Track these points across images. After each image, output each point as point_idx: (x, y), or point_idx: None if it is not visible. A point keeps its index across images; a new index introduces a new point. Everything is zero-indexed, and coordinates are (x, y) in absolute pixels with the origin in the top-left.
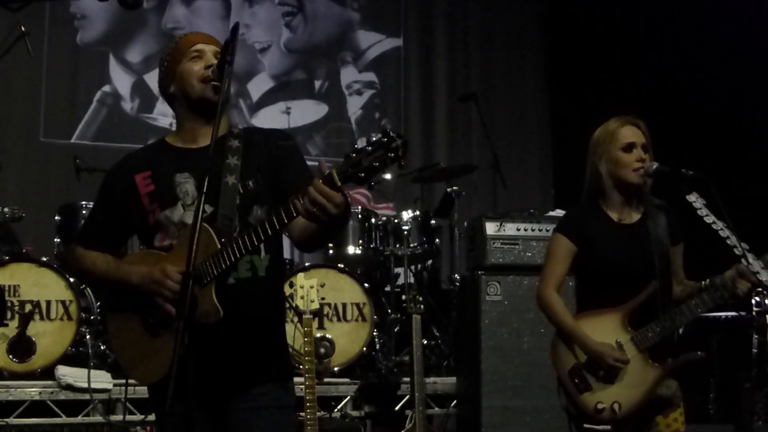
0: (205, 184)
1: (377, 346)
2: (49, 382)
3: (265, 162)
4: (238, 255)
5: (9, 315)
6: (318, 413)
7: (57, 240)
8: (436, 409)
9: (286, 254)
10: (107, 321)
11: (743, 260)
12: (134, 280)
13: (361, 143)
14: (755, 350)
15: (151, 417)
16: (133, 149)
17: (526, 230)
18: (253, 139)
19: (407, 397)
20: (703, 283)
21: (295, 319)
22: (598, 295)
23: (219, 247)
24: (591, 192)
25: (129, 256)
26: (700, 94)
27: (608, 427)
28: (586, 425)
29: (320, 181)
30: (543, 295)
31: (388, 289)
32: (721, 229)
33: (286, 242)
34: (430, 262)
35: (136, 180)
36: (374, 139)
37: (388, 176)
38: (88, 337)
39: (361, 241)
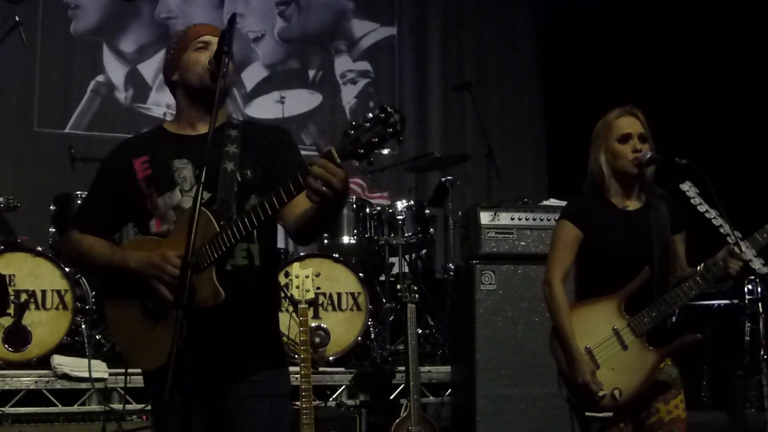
0: (203, 172)
1: (372, 335)
2: (45, 371)
3: (263, 155)
4: (238, 237)
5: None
6: (313, 402)
7: (52, 230)
8: (431, 397)
9: (281, 244)
10: (105, 307)
11: (736, 248)
12: (132, 264)
13: (356, 120)
14: (748, 338)
15: (148, 406)
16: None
17: (520, 219)
18: (251, 132)
19: (402, 385)
20: (698, 268)
21: (291, 309)
22: (598, 283)
23: (218, 230)
24: (593, 182)
25: (127, 242)
26: (695, 81)
27: (610, 413)
28: (587, 413)
29: (323, 159)
30: (550, 284)
31: (382, 278)
32: (714, 218)
33: (279, 232)
34: (424, 251)
35: (134, 164)
36: (372, 115)
37: (385, 152)
38: (83, 326)
39: (355, 231)
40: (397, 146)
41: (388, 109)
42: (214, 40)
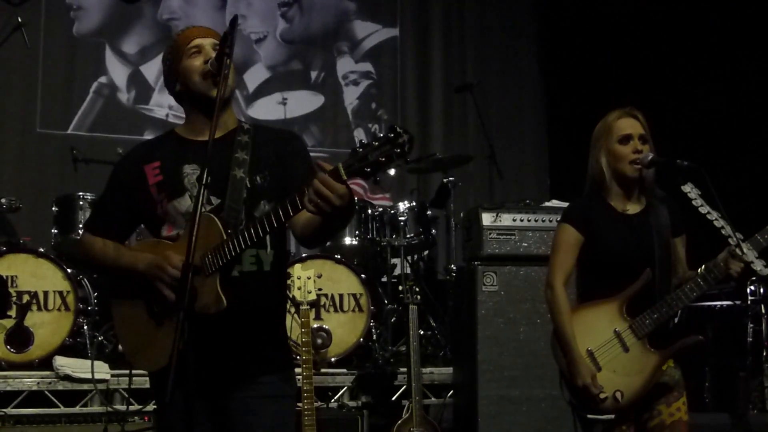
0: (205, 174)
1: (374, 337)
2: (47, 373)
3: (273, 160)
4: (243, 246)
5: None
6: (315, 403)
7: (54, 231)
8: (433, 399)
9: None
10: (111, 307)
11: (738, 250)
12: (141, 266)
13: (356, 136)
14: (750, 339)
15: (149, 407)
16: (129, 140)
17: (522, 221)
18: (262, 137)
19: (404, 387)
20: (699, 270)
21: (292, 310)
22: (599, 285)
23: (225, 238)
24: (593, 184)
25: (136, 244)
26: (697, 82)
27: (612, 416)
28: (589, 415)
29: (325, 174)
30: (552, 288)
31: (384, 279)
32: (716, 219)
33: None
34: (426, 252)
35: (145, 170)
36: (381, 134)
37: (392, 172)
38: (85, 327)
39: (357, 232)
40: (404, 164)
41: (398, 129)
42: (206, 41)
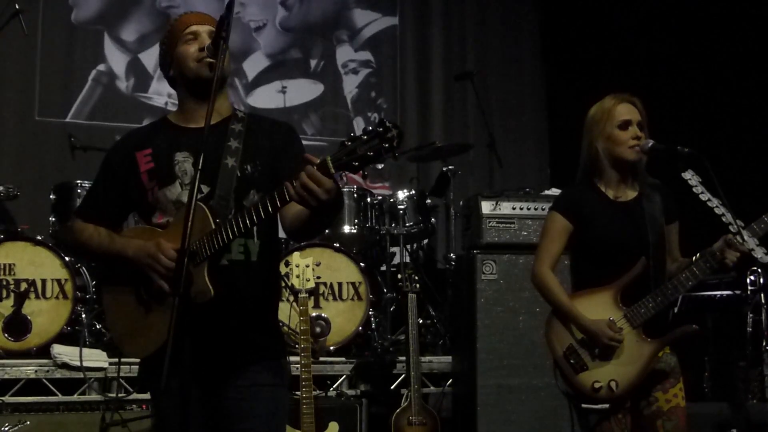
0: (200, 160)
1: (373, 325)
2: (45, 361)
3: (265, 150)
4: (231, 236)
5: (4, 294)
6: (314, 392)
7: (52, 219)
8: (432, 387)
9: (281, 234)
10: (102, 294)
11: (738, 237)
12: (130, 253)
13: (356, 125)
14: (750, 329)
15: (146, 395)
16: (128, 128)
17: (521, 209)
18: (256, 126)
19: (403, 375)
20: (694, 258)
21: (291, 298)
22: (593, 273)
23: (214, 226)
24: (587, 170)
25: (126, 230)
26: (696, 70)
27: (606, 405)
28: (584, 405)
29: (314, 167)
30: (538, 273)
31: (383, 268)
32: (716, 207)
33: None
34: (425, 241)
35: (137, 157)
36: (370, 128)
37: (380, 166)
38: (83, 315)
39: (356, 220)
40: (393, 159)
41: (387, 123)
42: (203, 29)
